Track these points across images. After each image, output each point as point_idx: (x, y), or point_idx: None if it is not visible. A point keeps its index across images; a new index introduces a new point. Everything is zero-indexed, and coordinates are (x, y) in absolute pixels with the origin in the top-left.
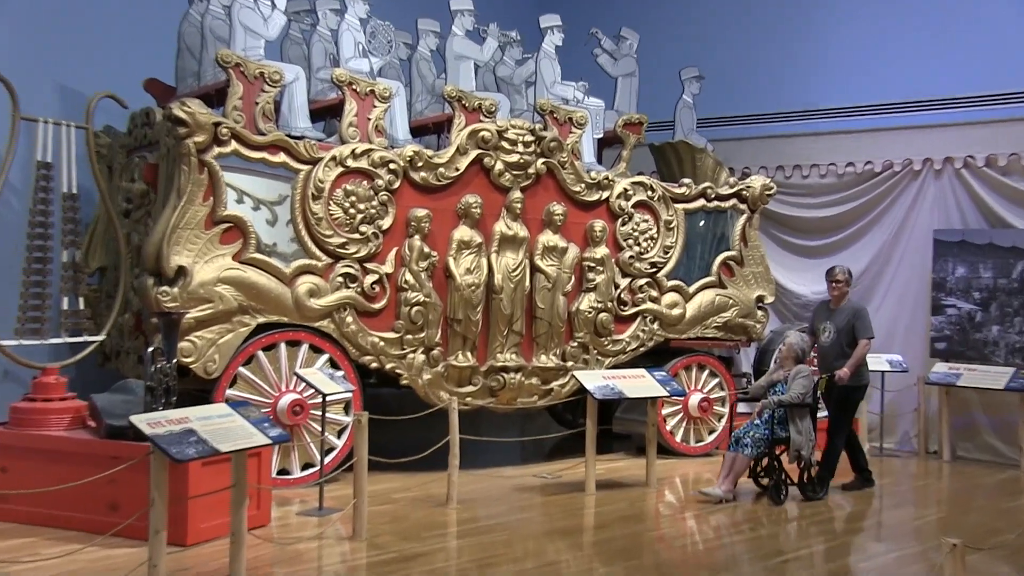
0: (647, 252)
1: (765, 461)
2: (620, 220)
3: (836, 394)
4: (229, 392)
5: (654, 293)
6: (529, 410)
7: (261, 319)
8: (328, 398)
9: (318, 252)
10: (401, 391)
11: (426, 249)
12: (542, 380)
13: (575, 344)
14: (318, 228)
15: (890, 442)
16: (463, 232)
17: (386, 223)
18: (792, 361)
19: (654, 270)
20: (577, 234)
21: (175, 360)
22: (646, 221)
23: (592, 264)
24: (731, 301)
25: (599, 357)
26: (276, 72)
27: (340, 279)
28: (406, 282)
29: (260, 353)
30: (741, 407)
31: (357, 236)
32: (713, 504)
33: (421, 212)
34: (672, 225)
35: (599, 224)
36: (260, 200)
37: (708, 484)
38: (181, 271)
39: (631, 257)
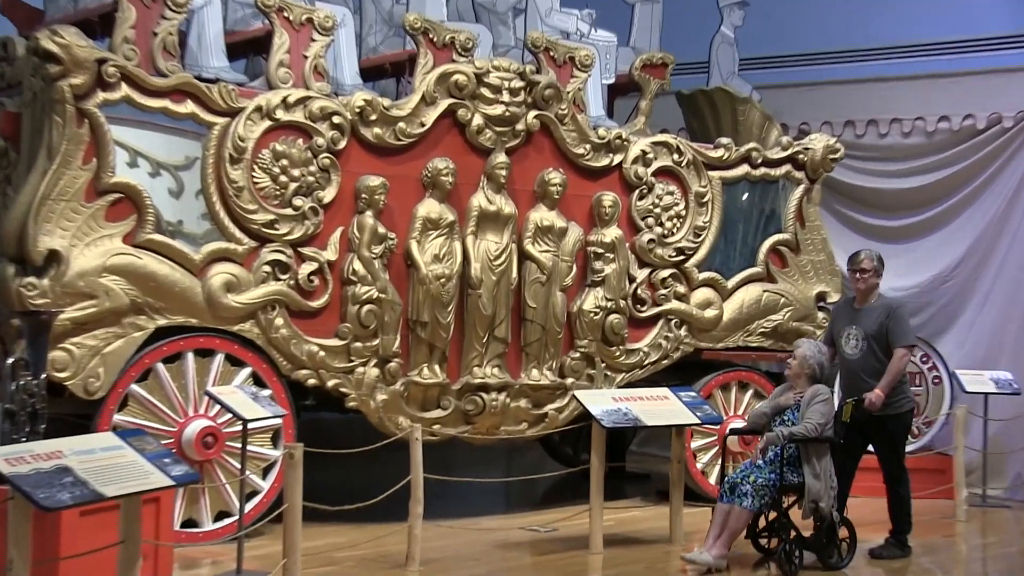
0: (672, 235)
1: (770, 515)
2: (637, 193)
3: (868, 427)
4: (117, 418)
5: (681, 289)
6: (517, 442)
7: (161, 321)
8: (250, 425)
9: (238, 233)
10: (348, 416)
11: (381, 229)
12: (533, 402)
13: (577, 355)
14: (238, 201)
15: (997, 487)
16: (430, 207)
17: (328, 195)
18: (806, 380)
19: (681, 259)
20: (580, 211)
21: (44, 375)
22: (671, 194)
23: (600, 250)
24: (783, 299)
25: (608, 372)
26: None
27: (267, 269)
28: (354, 273)
29: (160, 366)
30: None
31: (290, 212)
32: (701, 574)
33: (374, 181)
34: (705, 199)
35: (609, 198)
36: (160, 163)
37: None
38: (53, 257)
39: (651, 241)
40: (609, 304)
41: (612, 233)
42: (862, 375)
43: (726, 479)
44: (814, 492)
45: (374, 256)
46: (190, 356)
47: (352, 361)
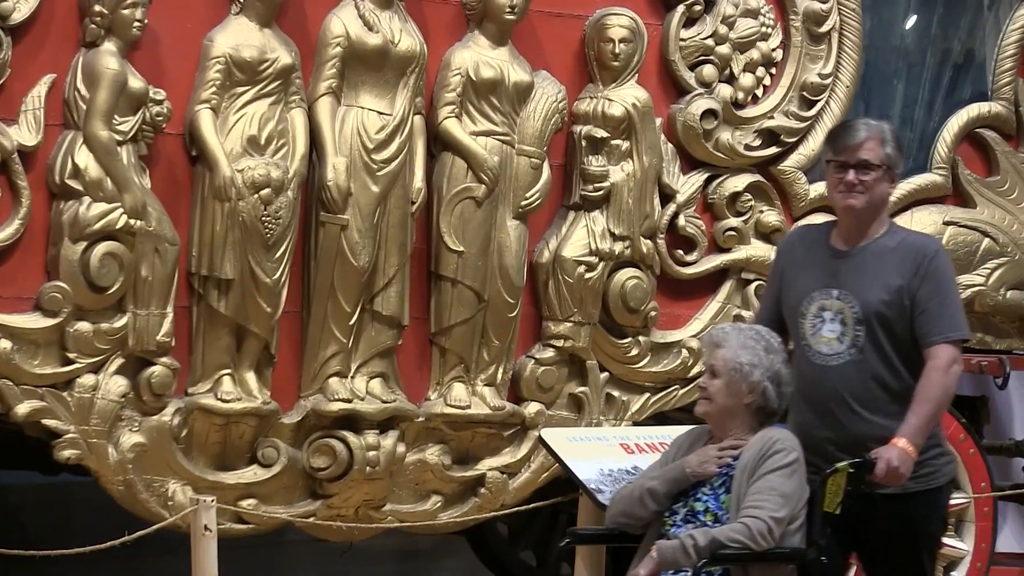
0: (755, 101)
1: None
2: (682, 11)
3: (863, 521)
4: None
5: (772, 217)
6: (419, 540)
7: None
8: None
9: None
10: (58, 480)
11: (134, 84)
12: (455, 453)
13: (549, 354)
14: None
15: None
16: (240, 39)
17: (20, 8)
18: (741, 417)
19: (773, 152)
20: (560, 51)
21: None
22: (755, 15)
23: (600, 133)
24: (988, 242)
25: (615, 392)
26: None
27: None
28: (74, 173)
29: None
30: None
31: None
32: None
33: None
34: (826, 27)
35: (623, 21)
36: None
37: None
38: None
39: (710, 115)
40: (618, 248)
41: (627, 96)
42: (849, 400)
43: None
44: None
45: (119, 140)
46: None
47: (70, 363)
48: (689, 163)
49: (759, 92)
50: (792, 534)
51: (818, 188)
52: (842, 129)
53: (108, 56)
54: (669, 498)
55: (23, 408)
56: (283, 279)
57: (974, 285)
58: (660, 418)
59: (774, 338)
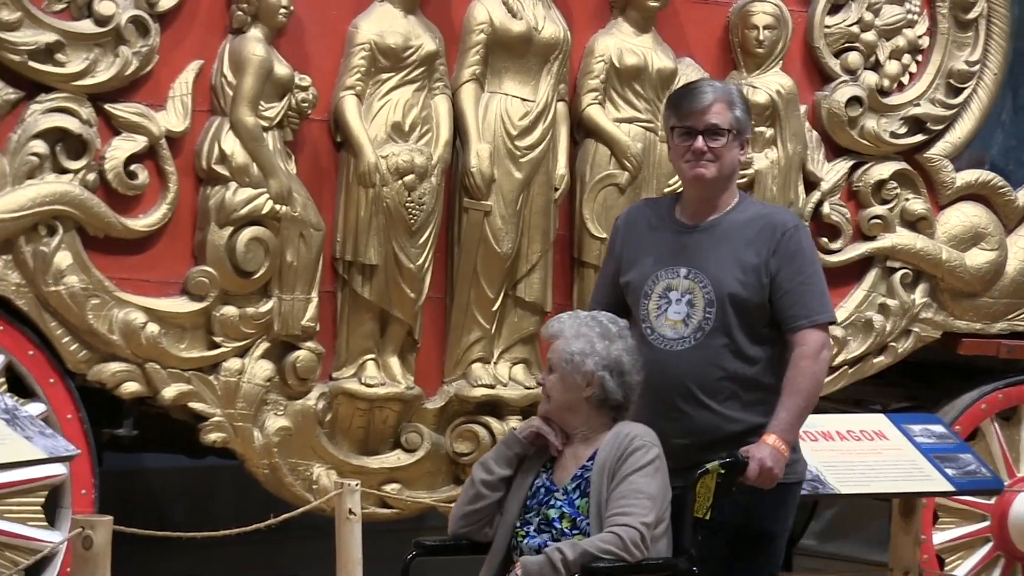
0: (900, 88)
1: None
2: (824, 0)
3: (741, 513)
4: None
5: (917, 205)
6: None
7: None
8: (1, 474)
9: None
10: (204, 463)
11: (280, 70)
12: None
13: None
14: None
15: None
16: (384, 26)
17: None
18: (584, 413)
19: (918, 140)
20: (703, 37)
21: None
22: (902, 2)
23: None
24: None
25: None
26: None
27: (38, 145)
28: (220, 158)
29: None
30: None
31: (90, 29)
32: None
33: None
34: (974, 13)
35: (767, 7)
36: None
37: None
38: None
39: (855, 102)
40: None
41: (771, 83)
42: (694, 390)
43: None
44: None
45: (264, 126)
46: None
47: (216, 347)
48: (834, 151)
49: (905, 79)
50: (658, 539)
51: (965, 176)
52: (685, 92)
53: (255, 42)
54: (503, 482)
55: (170, 391)
56: (427, 265)
57: None
58: None
59: (615, 323)
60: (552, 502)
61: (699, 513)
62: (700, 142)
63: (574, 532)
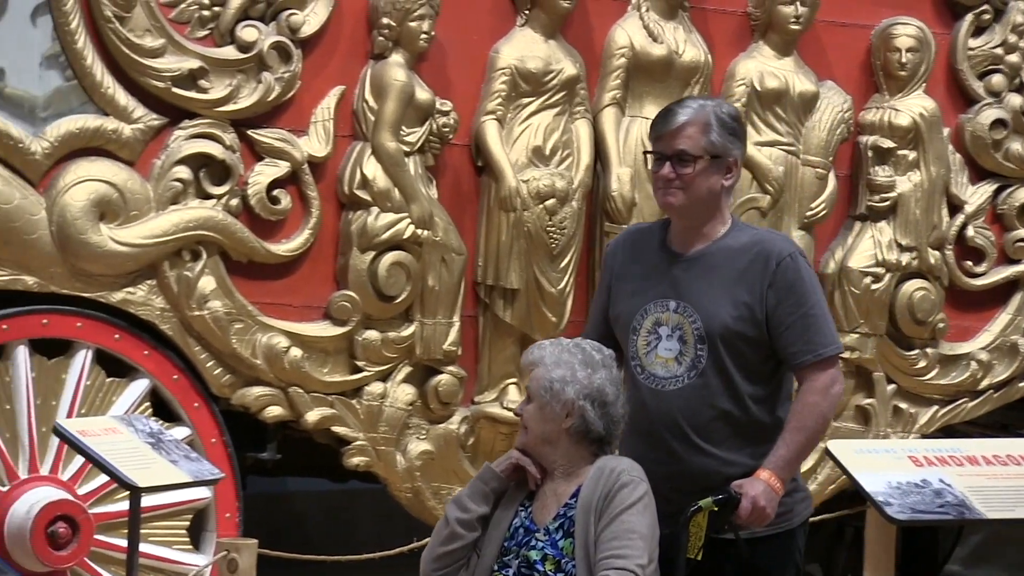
0: None
1: None
2: (971, 19)
3: (724, 570)
4: None
5: None
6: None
7: None
8: (148, 501)
9: (122, 97)
10: (347, 486)
11: (421, 95)
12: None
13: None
14: (119, 29)
15: None
16: (525, 51)
17: (310, 21)
18: (564, 446)
19: None
20: (846, 60)
21: None
22: None
23: (887, 143)
24: None
25: (903, 404)
26: None
27: (181, 170)
28: (364, 185)
29: None
30: None
31: (233, 55)
32: None
33: None
34: None
35: (909, 30)
36: None
37: None
38: None
39: (999, 125)
40: (905, 259)
41: (914, 106)
42: (687, 430)
43: None
44: None
45: (407, 150)
46: (22, 353)
47: (359, 371)
48: (978, 173)
49: None
50: None
51: None
52: (661, 113)
53: (396, 68)
54: (480, 521)
55: (313, 415)
56: (568, 289)
57: None
58: (948, 431)
59: (598, 351)
60: (533, 543)
61: (691, 554)
62: (667, 169)
63: (558, 574)
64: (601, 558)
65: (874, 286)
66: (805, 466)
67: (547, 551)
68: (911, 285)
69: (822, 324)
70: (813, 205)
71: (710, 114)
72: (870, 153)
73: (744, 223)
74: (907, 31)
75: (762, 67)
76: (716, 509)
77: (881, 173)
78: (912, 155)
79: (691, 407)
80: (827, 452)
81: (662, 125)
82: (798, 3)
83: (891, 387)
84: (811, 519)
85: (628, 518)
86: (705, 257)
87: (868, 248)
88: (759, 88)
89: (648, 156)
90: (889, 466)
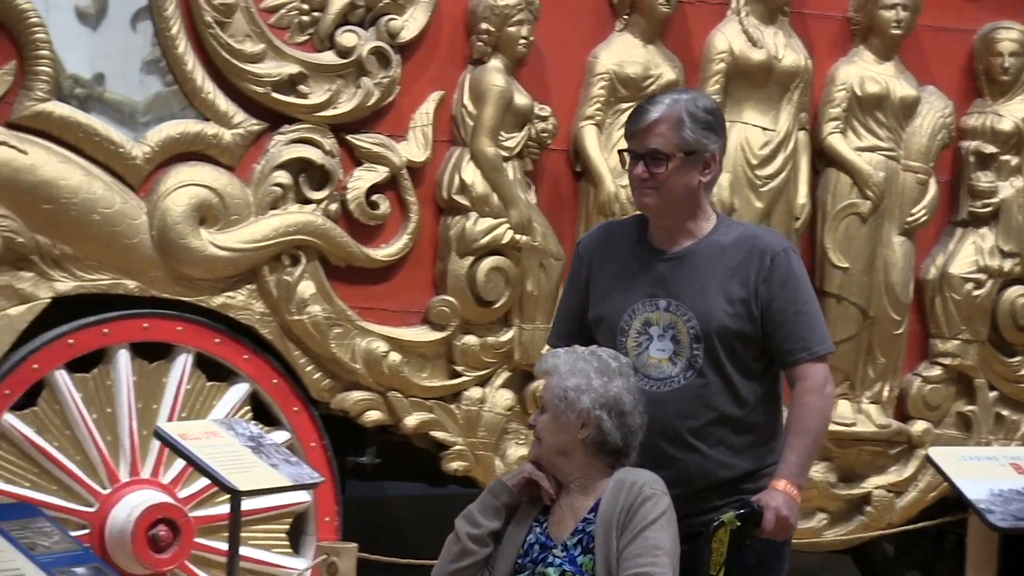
0: None
1: None
2: None
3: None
4: None
5: None
6: (796, 556)
7: (65, 284)
8: (248, 504)
9: (218, 99)
10: (446, 491)
11: (520, 101)
12: (840, 471)
13: (936, 372)
14: (218, 34)
15: None
16: (624, 56)
17: (409, 27)
18: (579, 459)
19: None
20: (948, 65)
21: None
22: None
23: (990, 149)
24: None
25: (1005, 411)
26: None
27: (281, 175)
28: (461, 188)
29: (61, 377)
30: None
31: (332, 60)
32: None
33: None
34: None
35: (1012, 35)
36: None
37: None
38: None
39: None
40: (1007, 265)
41: (1017, 111)
42: (685, 434)
43: None
44: None
45: (505, 155)
46: (123, 357)
47: (457, 376)
48: None
49: None
50: None
51: None
52: (635, 110)
53: (495, 73)
54: (492, 536)
55: (412, 420)
56: None
57: None
58: None
59: (615, 359)
60: (550, 559)
61: (713, 571)
62: (639, 168)
63: None
64: (626, 575)
65: (976, 292)
66: (905, 474)
67: (565, 568)
68: (1014, 291)
69: (815, 322)
70: (914, 211)
71: (682, 110)
72: (972, 158)
73: (730, 219)
74: (1010, 35)
75: (863, 72)
76: (739, 524)
77: (983, 178)
78: (1015, 160)
79: (688, 409)
80: (928, 459)
81: (634, 123)
82: (899, 7)
83: (993, 394)
84: (911, 526)
85: (652, 533)
86: (693, 254)
87: (970, 254)
88: (860, 93)
89: (622, 155)
90: (991, 473)
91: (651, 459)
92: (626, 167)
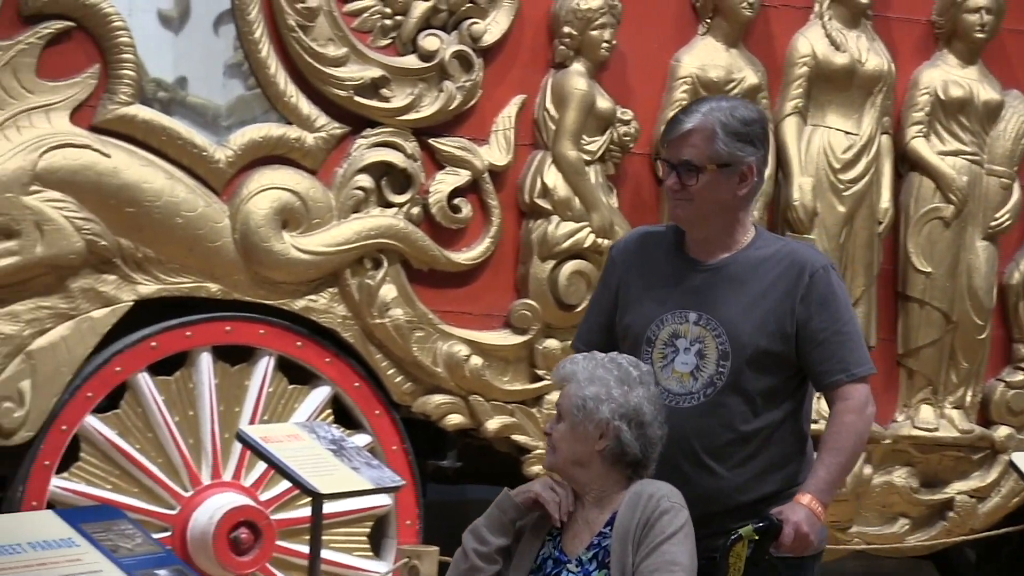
0: None
1: None
2: None
3: None
4: (57, 484)
5: None
6: (882, 560)
7: (147, 287)
8: (330, 507)
9: (304, 105)
10: None
11: (602, 104)
12: (922, 475)
13: (1020, 377)
14: (301, 37)
15: None
16: (706, 59)
17: (491, 30)
18: (596, 469)
19: None
20: None
21: None
22: None
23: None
24: None
25: None
26: None
27: (363, 179)
28: (543, 192)
29: (144, 380)
30: None
31: (415, 64)
32: None
33: None
34: None
35: None
36: None
37: None
38: None
39: None
40: None
41: None
42: (699, 452)
43: None
44: None
45: (587, 158)
46: (205, 360)
47: (539, 380)
48: None
49: None
50: None
51: None
52: (670, 119)
53: (577, 77)
54: (501, 552)
55: (493, 423)
56: None
57: None
58: None
59: (635, 367)
60: (564, 575)
61: None
62: (672, 179)
63: None
64: None
65: None
66: (987, 479)
67: None
68: None
69: (855, 343)
70: (997, 215)
71: (715, 121)
72: None
73: (769, 232)
74: None
75: (946, 76)
76: (757, 538)
77: None
78: None
79: (706, 427)
80: (1011, 464)
81: (669, 132)
82: (983, 11)
83: None
84: (994, 532)
85: (669, 548)
86: (729, 267)
87: None
88: (943, 97)
89: (658, 163)
90: None
91: (668, 475)
92: (663, 176)
